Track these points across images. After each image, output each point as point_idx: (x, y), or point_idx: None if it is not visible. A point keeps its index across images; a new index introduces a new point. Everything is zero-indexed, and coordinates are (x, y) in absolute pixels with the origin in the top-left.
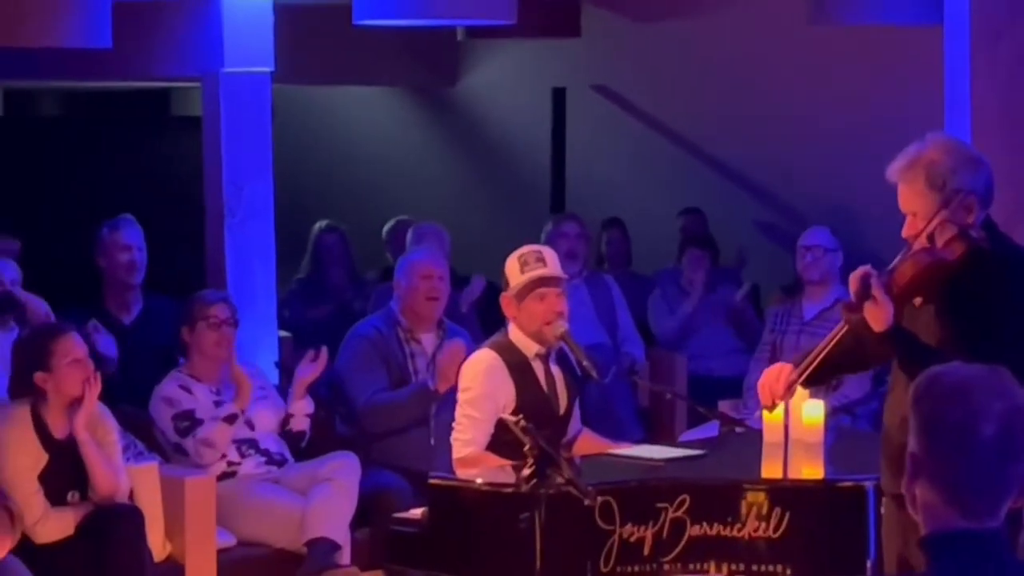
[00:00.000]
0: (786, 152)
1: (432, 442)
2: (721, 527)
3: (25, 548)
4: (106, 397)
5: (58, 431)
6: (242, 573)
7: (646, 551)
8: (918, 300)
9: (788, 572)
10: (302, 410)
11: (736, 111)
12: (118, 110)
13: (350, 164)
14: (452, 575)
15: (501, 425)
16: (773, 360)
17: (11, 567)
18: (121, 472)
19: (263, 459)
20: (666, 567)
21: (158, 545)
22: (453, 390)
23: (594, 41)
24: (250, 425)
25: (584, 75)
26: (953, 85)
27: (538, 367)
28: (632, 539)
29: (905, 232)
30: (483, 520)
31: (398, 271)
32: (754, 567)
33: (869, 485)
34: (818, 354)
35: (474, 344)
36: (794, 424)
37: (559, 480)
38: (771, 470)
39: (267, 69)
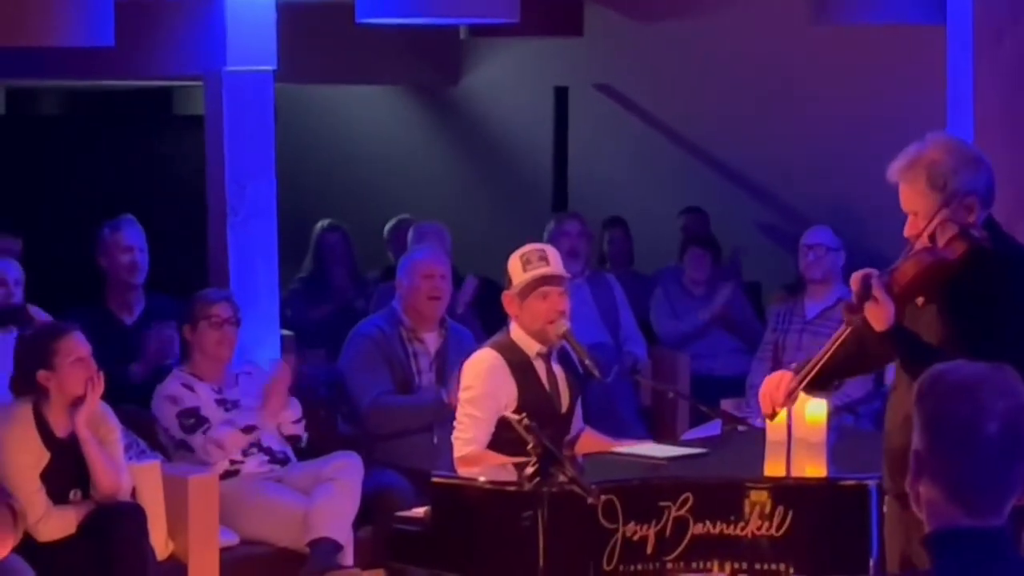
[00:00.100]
0: (788, 151)
1: (435, 441)
2: (724, 526)
3: (27, 546)
4: (108, 396)
5: (60, 429)
6: (245, 572)
7: (649, 550)
8: (920, 300)
9: (791, 571)
10: (288, 418)
11: (739, 110)
12: (120, 109)
13: (352, 163)
14: (455, 574)
15: (503, 424)
16: (775, 359)
17: (14, 565)
18: (123, 470)
19: (266, 458)
20: (669, 566)
21: (160, 544)
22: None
23: (597, 40)
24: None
25: (586, 74)
26: (955, 84)
27: (540, 366)
28: (635, 538)
29: (907, 232)
30: (486, 519)
31: (400, 270)
32: (757, 566)
33: (872, 484)
34: (819, 360)
35: (475, 344)
36: (797, 423)
37: (562, 478)
38: (774, 469)
39: (270, 68)
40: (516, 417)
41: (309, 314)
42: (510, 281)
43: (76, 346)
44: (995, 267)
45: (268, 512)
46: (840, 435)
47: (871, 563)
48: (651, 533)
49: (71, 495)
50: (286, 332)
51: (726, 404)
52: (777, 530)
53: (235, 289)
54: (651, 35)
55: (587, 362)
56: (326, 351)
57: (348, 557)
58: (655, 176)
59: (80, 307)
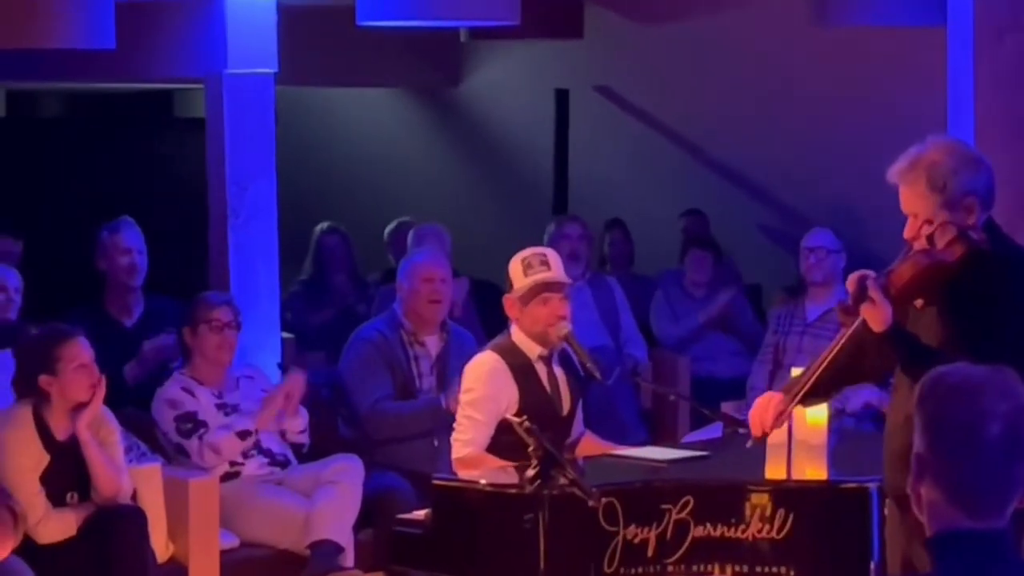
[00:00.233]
0: (788, 153)
1: (436, 444)
2: (725, 528)
3: (27, 548)
4: (107, 399)
5: (60, 432)
6: (245, 575)
7: (650, 552)
8: (919, 303)
9: (792, 573)
10: (295, 428)
11: (739, 112)
12: (121, 111)
13: (353, 165)
14: None
15: (504, 426)
16: (776, 362)
17: (14, 567)
18: (123, 473)
19: (266, 460)
20: (670, 568)
21: (161, 546)
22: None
23: (597, 42)
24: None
25: (587, 76)
26: (956, 86)
27: (541, 369)
28: (636, 540)
29: (906, 233)
30: (487, 521)
31: (400, 274)
32: (758, 568)
33: (873, 486)
34: (808, 378)
35: (477, 347)
36: (798, 425)
37: (563, 481)
38: (775, 471)
39: (270, 70)
40: (517, 420)
41: (309, 317)
42: (511, 284)
43: (79, 352)
44: (994, 268)
45: (269, 514)
46: (841, 437)
47: (872, 566)
48: (652, 536)
49: (68, 498)
50: (286, 335)
51: (727, 407)
52: (778, 533)
53: (235, 291)
54: (651, 37)
55: (588, 364)
56: (326, 354)
57: (349, 559)
58: (655, 177)
59: (79, 309)
